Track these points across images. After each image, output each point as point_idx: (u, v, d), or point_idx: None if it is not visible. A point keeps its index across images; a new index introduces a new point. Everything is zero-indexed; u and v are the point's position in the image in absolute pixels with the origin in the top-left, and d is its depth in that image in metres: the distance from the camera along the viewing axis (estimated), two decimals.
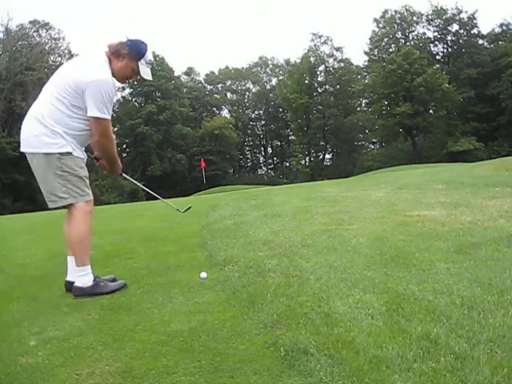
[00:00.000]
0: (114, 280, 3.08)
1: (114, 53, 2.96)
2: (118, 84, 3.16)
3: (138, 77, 3.08)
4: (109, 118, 2.90)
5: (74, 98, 2.85)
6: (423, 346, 1.86)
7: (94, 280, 2.93)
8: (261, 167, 63.52)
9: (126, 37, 2.99)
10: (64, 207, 2.99)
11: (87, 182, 3.00)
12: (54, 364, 1.99)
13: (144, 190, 3.95)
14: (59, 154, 2.86)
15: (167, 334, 2.22)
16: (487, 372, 1.65)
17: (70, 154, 2.89)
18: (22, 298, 2.97)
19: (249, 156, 63.49)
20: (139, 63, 2.98)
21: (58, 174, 2.87)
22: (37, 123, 2.88)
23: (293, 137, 55.59)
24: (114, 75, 2.98)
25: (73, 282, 2.96)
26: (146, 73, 3.02)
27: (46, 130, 2.86)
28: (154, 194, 4.10)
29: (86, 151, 3.09)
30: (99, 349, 2.11)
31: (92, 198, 3.03)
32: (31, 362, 2.02)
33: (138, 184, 4.23)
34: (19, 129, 3.00)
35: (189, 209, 4.06)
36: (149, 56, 3.03)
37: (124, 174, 3.49)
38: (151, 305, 2.64)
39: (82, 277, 2.91)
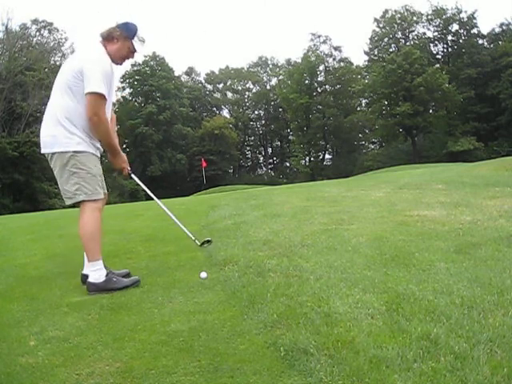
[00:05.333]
0: (127, 274, 3.18)
1: (107, 37, 3.07)
2: (115, 66, 3.20)
3: (135, 53, 3.15)
4: (102, 93, 2.89)
5: (79, 87, 2.91)
6: (423, 346, 1.86)
7: (107, 275, 2.99)
8: (261, 167, 63.52)
9: (115, 22, 3.10)
10: (75, 205, 3.09)
11: (100, 179, 3.08)
12: (54, 364, 1.99)
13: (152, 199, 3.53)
14: (73, 151, 2.95)
15: (167, 334, 2.22)
16: (487, 372, 1.65)
17: (84, 152, 2.98)
18: (22, 298, 2.97)
19: (249, 156, 63.48)
20: (133, 41, 3.10)
21: (72, 172, 2.96)
22: (52, 123, 2.99)
23: (293, 137, 55.56)
24: (112, 59, 3.07)
25: (87, 275, 3.03)
26: (140, 50, 3.15)
27: (62, 129, 2.95)
28: (173, 218, 3.44)
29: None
30: (99, 349, 2.11)
31: (103, 196, 3.11)
32: (31, 362, 2.02)
33: (151, 194, 3.47)
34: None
35: (207, 242, 3.38)
36: (140, 34, 3.14)
37: (133, 176, 3.37)
38: (151, 305, 2.64)
39: (94, 272, 2.99)
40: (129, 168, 3.29)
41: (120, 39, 3.06)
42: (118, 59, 3.13)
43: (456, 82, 40.84)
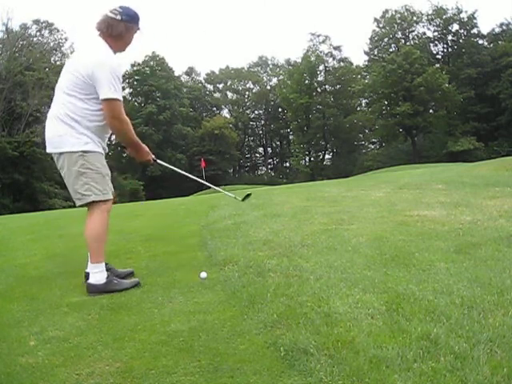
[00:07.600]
0: (131, 273, 3.23)
1: (116, 36, 2.99)
2: (122, 60, 3.20)
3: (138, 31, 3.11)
4: (119, 98, 2.90)
5: (87, 89, 2.89)
6: (423, 346, 1.86)
7: (108, 277, 2.99)
8: (261, 167, 63.52)
9: (109, 11, 2.99)
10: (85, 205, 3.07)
11: (108, 179, 3.06)
12: (54, 364, 1.99)
13: (191, 178, 4.10)
14: (82, 151, 2.93)
15: (167, 334, 2.22)
16: (487, 372, 1.65)
17: (92, 151, 2.96)
18: (22, 298, 2.97)
19: (249, 156, 63.47)
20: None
21: (81, 172, 2.94)
22: (58, 123, 2.95)
23: (293, 137, 55.54)
24: (117, 50, 3.04)
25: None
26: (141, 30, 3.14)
27: (70, 128, 2.92)
28: (210, 185, 4.17)
29: (109, 145, 3.17)
30: (99, 349, 2.11)
31: (111, 197, 3.09)
32: (31, 362, 2.02)
33: (180, 171, 4.05)
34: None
35: (248, 196, 4.15)
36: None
37: (159, 161, 3.47)
38: (151, 305, 2.64)
39: (96, 274, 2.98)
40: (153, 156, 3.30)
41: (127, 31, 3.02)
42: (123, 48, 3.11)
43: (456, 82, 40.87)
